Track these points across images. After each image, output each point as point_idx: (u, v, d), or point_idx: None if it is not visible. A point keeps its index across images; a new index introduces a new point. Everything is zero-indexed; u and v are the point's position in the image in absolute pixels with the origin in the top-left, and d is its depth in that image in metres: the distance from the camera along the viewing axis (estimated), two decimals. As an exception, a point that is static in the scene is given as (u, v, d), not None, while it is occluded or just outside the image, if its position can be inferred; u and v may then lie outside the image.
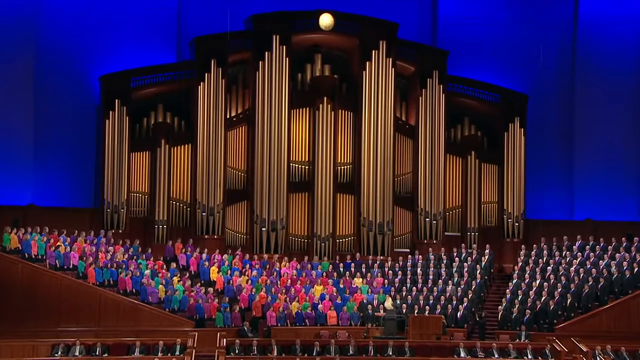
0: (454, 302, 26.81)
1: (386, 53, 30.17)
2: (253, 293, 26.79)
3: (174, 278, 26.94)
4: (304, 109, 30.16)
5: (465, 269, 28.23)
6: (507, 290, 27.55)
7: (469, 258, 28.77)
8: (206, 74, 29.38)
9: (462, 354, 24.32)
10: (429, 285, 27.75)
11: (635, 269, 26.78)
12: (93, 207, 29.50)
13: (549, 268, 27.76)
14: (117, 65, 29.56)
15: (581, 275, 27.00)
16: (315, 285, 27.49)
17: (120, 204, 28.89)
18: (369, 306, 26.67)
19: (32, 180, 29.16)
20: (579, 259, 27.79)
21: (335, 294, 27.20)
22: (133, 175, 29.20)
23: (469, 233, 30.55)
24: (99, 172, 29.25)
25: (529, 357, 24.40)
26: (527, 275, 27.88)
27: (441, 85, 30.51)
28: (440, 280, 27.87)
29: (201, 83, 29.39)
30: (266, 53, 29.71)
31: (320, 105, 29.98)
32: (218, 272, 27.49)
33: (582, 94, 31.82)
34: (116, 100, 28.88)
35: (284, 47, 29.75)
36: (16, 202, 28.70)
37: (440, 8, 32.01)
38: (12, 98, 29.16)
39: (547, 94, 31.99)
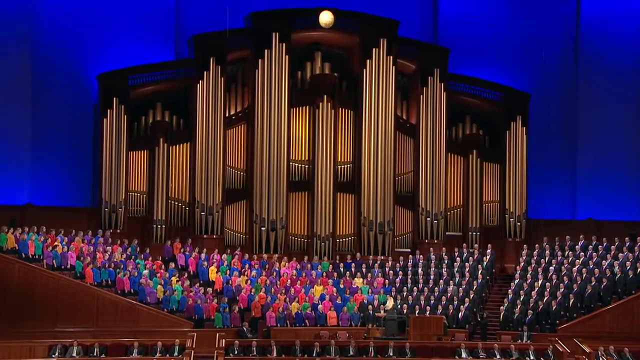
0: (456, 303, 26.76)
1: (387, 51, 30.11)
2: (252, 293, 26.74)
3: (173, 278, 26.89)
4: (304, 107, 30.12)
5: (467, 269, 28.19)
6: (509, 291, 27.52)
7: (470, 258, 28.70)
8: (205, 72, 29.32)
9: (464, 355, 24.27)
10: (430, 285, 27.72)
11: (639, 269, 26.72)
12: (91, 207, 29.38)
13: (551, 268, 27.70)
14: (115, 63, 29.47)
15: (584, 275, 26.93)
16: (315, 286, 27.45)
17: (118, 203, 28.80)
18: (370, 306, 26.65)
19: (29, 179, 29.09)
20: (581, 259, 27.73)
21: (335, 294, 27.16)
22: (131, 174, 29.12)
23: (470, 233, 30.52)
24: (96, 171, 29.20)
25: (531, 357, 24.35)
26: (529, 276, 27.80)
27: (442, 84, 30.47)
28: (441, 281, 27.83)
29: (200, 81, 29.34)
30: (266, 51, 29.65)
31: (320, 103, 29.93)
32: (217, 272, 27.44)
33: (584, 92, 31.80)
34: (114, 99, 28.84)
35: (284, 44, 29.68)
36: (13, 201, 28.62)
37: (441, 5, 31.96)
38: (9, 96, 29.08)
39: (550, 92, 31.95)
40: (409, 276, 28.12)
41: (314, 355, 24.00)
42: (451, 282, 27.65)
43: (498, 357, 24.35)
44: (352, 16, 30.11)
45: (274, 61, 29.59)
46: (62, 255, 26.22)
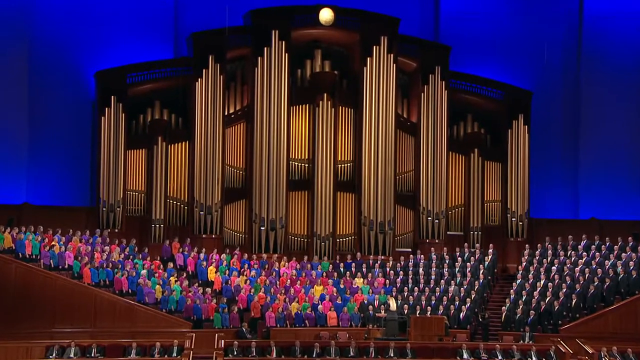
0: (457, 303, 26.68)
1: (387, 49, 30.01)
2: (252, 293, 26.67)
3: (171, 278, 26.80)
4: (304, 105, 30.03)
5: (468, 269, 28.11)
6: (511, 291, 27.44)
7: (471, 258, 28.61)
8: (204, 70, 29.24)
9: (465, 356, 24.22)
10: (431, 285, 27.65)
11: (642, 269, 26.70)
12: (88, 206, 29.31)
13: (554, 268, 27.62)
14: (113, 61, 29.38)
15: (586, 275, 26.84)
16: (315, 286, 27.37)
17: (116, 202, 28.72)
18: (370, 307, 26.58)
19: (26, 178, 29.05)
20: (584, 259, 27.63)
21: (335, 294, 27.08)
22: (129, 173, 29.03)
23: (471, 232, 30.43)
24: (94, 170, 29.10)
25: (533, 358, 24.33)
26: (531, 276, 27.71)
27: (443, 82, 30.39)
28: (442, 281, 27.76)
29: (199, 79, 29.26)
30: (265, 49, 29.57)
31: (320, 101, 29.85)
32: (216, 272, 27.37)
33: (587, 90, 31.70)
34: (112, 97, 28.76)
35: (283, 42, 29.60)
36: (10, 200, 28.55)
37: (442, 3, 31.88)
38: (6, 94, 29.02)
39: (552, 90, 31.86)
40: (410, 276, 28.04)
41: (314, 356, 23.99)
42: (452, 282, 27.58)
43: (500, 358, 24.31)
44: (352, 13, 30.01)
45: (274, 59, 29.52)
46: (59, 255, 26.13)
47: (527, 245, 29.15)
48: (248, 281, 27.10)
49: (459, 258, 28.63)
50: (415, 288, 27.42)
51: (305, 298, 26.77)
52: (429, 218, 30.17)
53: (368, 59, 29.95)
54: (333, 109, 29.81)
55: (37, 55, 29.18)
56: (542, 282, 27.06)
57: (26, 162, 29.01)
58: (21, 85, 28.99)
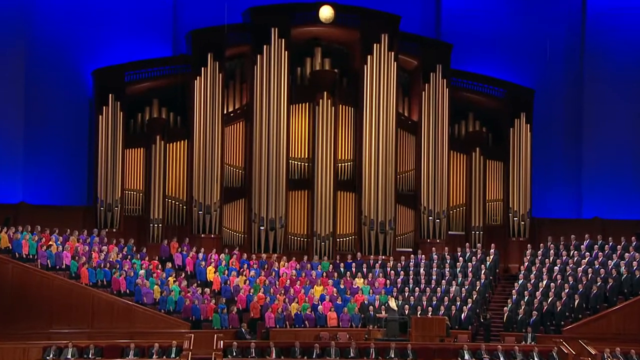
0: (458, 303, 26.63)
1: (388, 46, 29.95)
2: (251, 294, 26.61)
3: (170, 278, 26.74)
4: (304, 104, 29.99)
5: (470, 269, 28.02)
6: (513, 291, 27.39)
7: (473, 258, 28.56)
8: (203, 68, 29.20)
9: (466, 357, 24.15)
10: (432, 285, 27.59)
11: (645, 269, 26.61)
12: (86, 205, 29.27)
13: (556, 268, 27.53)
14: (111, 59, 29.33)
15: (589, 275, 26.75)
16: (315, 286, 27.31)
17: (114, 202, 28.69)
18: (371, 307, 26.53)
19: (22, 177, 29.00)
20: (587, 259, 27.54)
21: (335, 294, 27.02)
22: (127, 173, 28.99)
23: (473, 232, 30.39)
24: (92, 169, 29.07)
25: (535, 359, 24.12)
26: (533, 276, 27.61)
27: (445, 80, 30.35)
28: (443, 281, 27.71)
29: (197, 77, 29.21)
30: (264, 46, 29.51)
31: (320, 100, 29.77)
32: (215, 272, 27.31)
33: (590, 88, 31.62)
34: (110, 95, 28.73)
35: (283, 40, 29.56)
36: (6, 200, 28.50)
37: (443, 0, 31.80)
38: (2, 92, 28.95)
39: (554, 88, 31.79)
40: (411, 276, 28.01)
41: (314, 356, 23.96)
42: (454, 282, 27.49)
43: (501, 359, 24.21)
44: (352, 11, 29.99)
45: (273, 57, 29.46)
46: (56, 255, 26.07)
47: (529, 245, 29.11)
48: (247, 281, 27.03)
49: (461, 258, 28.57)
50: (416, 288, 27.37)
51: (305, 298, 26.71)
52: (430, 217, 30.12)
53: (368, 57, 29.90)
54: (333, 108, 29.77)
55: (34, 53, 29.13)
56: (545, 282, 26.96)
57: (23, 161, 28.96)
58: (17, 82, 28.94)
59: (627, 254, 27.12)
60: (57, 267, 25.92)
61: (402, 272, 28.13)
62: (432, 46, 30.51)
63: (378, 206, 29.71)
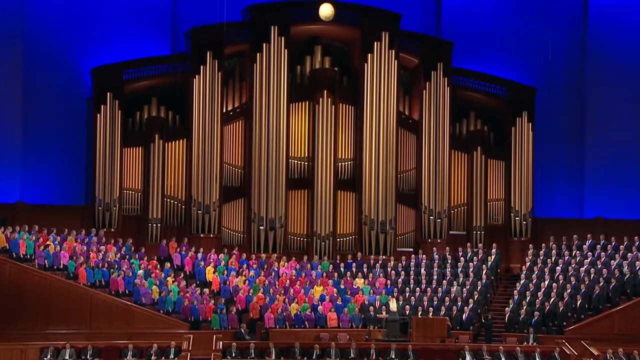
0: (459, 304, 26.60)
1: (389, 44, 29.90)
2: (250, 294, 26.56)
3: (168, 278, 26.69)
4: (304, 102, 29.95)
5: (471, 269, 28.00)
6: (515, 291, 27.35)
7: (474, 258, 28.53)
8: (202, 67, 29.17)
9: (468, 358, 24.07)
10: (433, 285, 27.55)
11: (648, 269, 26.63)
12: (84, 205, 29.25)
13: (558, 268, 27.53)
14: (109, 57, 29.32)
15: (592, 275, 26.72)
16: (315, 286, 27.27)
17: (112, 201, 28.64)
18: (371, 308, 26.49)
19: (20, 176, 28.97)
20: (589, 259, 27.52)
21: (335, 295, 26.96)
22: (125, 172, 28.96)
23: (474, 232, 30.32)
24: (90, 168, 29.03)
25: (537, 360, 24.21)
26: (535, 276, 27.61)
27: (446, 78, 30.30)
28: (444, 281, 27.67)
29: (196, 76, 29.18)
30: (264, 45, 29.48)
31: (320, 98, 29.71)
32: (214, 273, 27.26)
33: (592, 86, 31.56)
34: (108, 94, 28.70)
35: (283, 38, 29.52)
36: (3, 199, 28.47)
37: (444, -3, 32.06)
38: (-1, 90, 29.19)
39: (556, 86, 31.74)
40: (412, 276, 28.01)
41: (314, 357, 23.91)
42: (455, 282, 27.45)
43: (503, 359, 24.04)
44: (352, 9, 29.97)
45: (273, 55, 29.41)
46: (54, 255, 26.01)
47: (531, 245, 29.10)
48: (247, 281, 26.97)
49: (462, 258, 28.53)
50: (417, 288, 27.34)
51: (305, 299, 26.66)
52: (431, 217, 30.05)
53: (369, 55, 29.85)
54: (333, 106, 29.72)
55: (32, 51, 29.09)
56: (547, 282, 26.94)
57: (20, 160, 28.91)
58: (15, 81, 28.90)
59: (629, 254, 27.10)
60: (55, 267, 25.87)
61: (402, 272, 28.10)
62: (433, 44, 30.45)
63: (378, 206, 29.65)
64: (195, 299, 25.92)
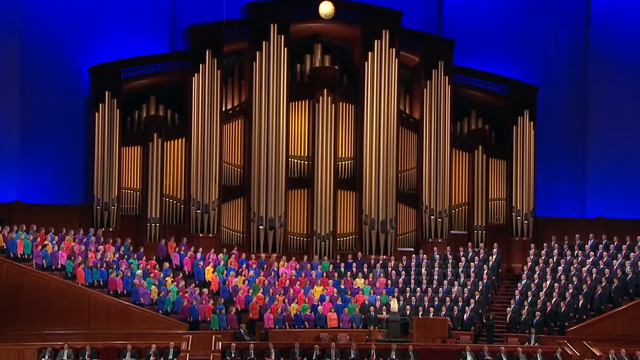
0: (460, 304, 26.54)
1: (389, 43, 29.82)
2: (250, 294, 26.49)
3: (167, 278, 26.62)
4: (303, 101, 29.89)
5: (472, 269, 27.93)
6: (516, 291, 27.29)
7: (475, 257, 28.46)
8: (201, 65, 29.12)
9: (469, 358, 24.07)
10: (434, 286, 27.48)
11: (651, 269, 26.60)
12: (82, 204, 29.17)
13: (560, 268, 27.46)
14: (108, 56, 29.26)
15: (594, 275, 26.62)
16: (315, 286, 27.19)
17: (110, 200, 28.57)
18: (371, 308, 26.43)
19: (17, 176, 28.89)
20: (591, 259, 27.43)
21: (335, 295, 26.89)
22: (124, 171, 28.90)
23: (476, 231, 30.26)
24: (88, 167, 28.97)
25: (539, 361, 24.21)
26: (536, 276, 27.54)
27: (447, 77, 30.26)
28: (445, 281, 27.59)
29: (195, 74, 29.13)
30: (263, 43, 29.41)
31: (320, 97, 29.66)
32: (213, 272, 27.18)
33: (595, 84, 31.51)
34: (106, 92, 28.64)
35: (282, 36, 29.46)
36: (1, 198, 28.42)
37: (445, -5, 32.08)
38: (-4, 89, 29.23)
39: (558, 85, 31.70)
40: (412, 276, 27.94)
41: (314, 358, 23.90)
42: (456, 282, 27.38)
43: (505, 360, 24.18)
44: (353, 7, 29.94)
45: (272, 53, 29.34)
46: (52, 254, 25.94)
47: (532, 245, 29.05)
48: (246, 281, 26.90)
49: (463, 258, 28.47)
50: (418, 288, 27.27)
51: (305, 299, 26.59)
52: (432, 217, 30.01)
53: (369, 53, 29.79)
54: (333, 105, 29.67)
55: (29, 49, 29.01)
56: (548, 282, 26.86)
57: (17, 159, 28.82)
58: (12, 79, 28.80)
59: (632, 254, 27.03)
60: (53, 267, 25.80)
61: (403, 272, 28.03)
62: (433, 42, 30.42)
63: (379, 205, 29.59)
64: (194, 299, 25.85)
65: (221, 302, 25.99)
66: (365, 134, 29.72)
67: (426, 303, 26.50)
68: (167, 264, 27.11)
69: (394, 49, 29.77)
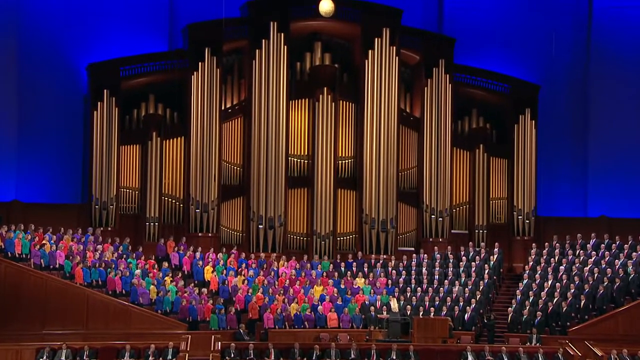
0: (461, 304, 26.50)
1: (390, 41, 29.81)
2: (249, 294, 26.45)
3: (166, 278, 26.59)
4: (303, 100, 29.91)
5: (473, 269, 27.93)
6: (517, 291, 27.26)
7: (476, 257, 28.44)
8: (200, 63, 29.10)
9: (470, 358, 24.03)
10: (435, 285, 27.46)
11: (653, 269, 26.57)
12: (80, 203, 29.12)
13: (562, 268, 27.43)
14: (106, 54, 29.25)
15: (596, 275, 26.58)
16: (315, 286, 27.17)
17: (109, 200, 28.55)
18: (372, 308, 26.40)
19: (15, 175, 28.87)
20: (593, 258, 27.38)
21: (335, 294, 26.86)
22: (123, 170, 28.89)
23: (477, 231, 30.23)
24: (86, 166, 28.93)
25: (541, 361, 24.21)
26: (538, 275, 27.49)
27: (447, 75, 30.24)
28: (446, 281, 27.57)
29: (194, 73, 29.12)
30: (263, 41, 29.40)
31: (320, 96, 29.64)
32: (212, 272, 27.17)
33: (596, 83, 31.46)
34: (105, 91, 28.64)
35: (282, 34, 29.44)
36: None
37: (446, -7, 32.11)
38: (-6, 87, 29.24)
39: (560, 83, 31.66)
40: (413, 276, 27.91)
41: (314, 358, 23.90)
42: (457, 282, 27.37)
43: (506, 360, 24.19)
44: (353, 4, 29.93)
45: (272, 52, 29.33)
46: (50, 254, 25.89)
47: (534, 244, 29.01)
48: (246, 281, 26.86)
49: (464, 257, 28.45)
50: (418, 288, 27.25)
51: (305, 299, 26.56)
52: (433, 216, 29.97)
53: (370, 51, 29.78)
54: (333, 104, 29.66)
55: (27, 47, 28.98)
56: (550, 282, 26.82)
57: (15, 158, 28.80)
58: (10, 77, 28.79)
59: (634, 254, 27.00)
60: (51, 266, 25.75)
61: (403, 271, 28.00)
62: (434, 41, 30.40)
63: (379, 204, 29.56)
64: (194, 299, 25.81)
65: (220, 302, 25.96)
66: (365, 133, 29.71)
67: (427, 303, 26.48)
68: (166, 264, 27.06)
69: (394, 47, 29.75)
